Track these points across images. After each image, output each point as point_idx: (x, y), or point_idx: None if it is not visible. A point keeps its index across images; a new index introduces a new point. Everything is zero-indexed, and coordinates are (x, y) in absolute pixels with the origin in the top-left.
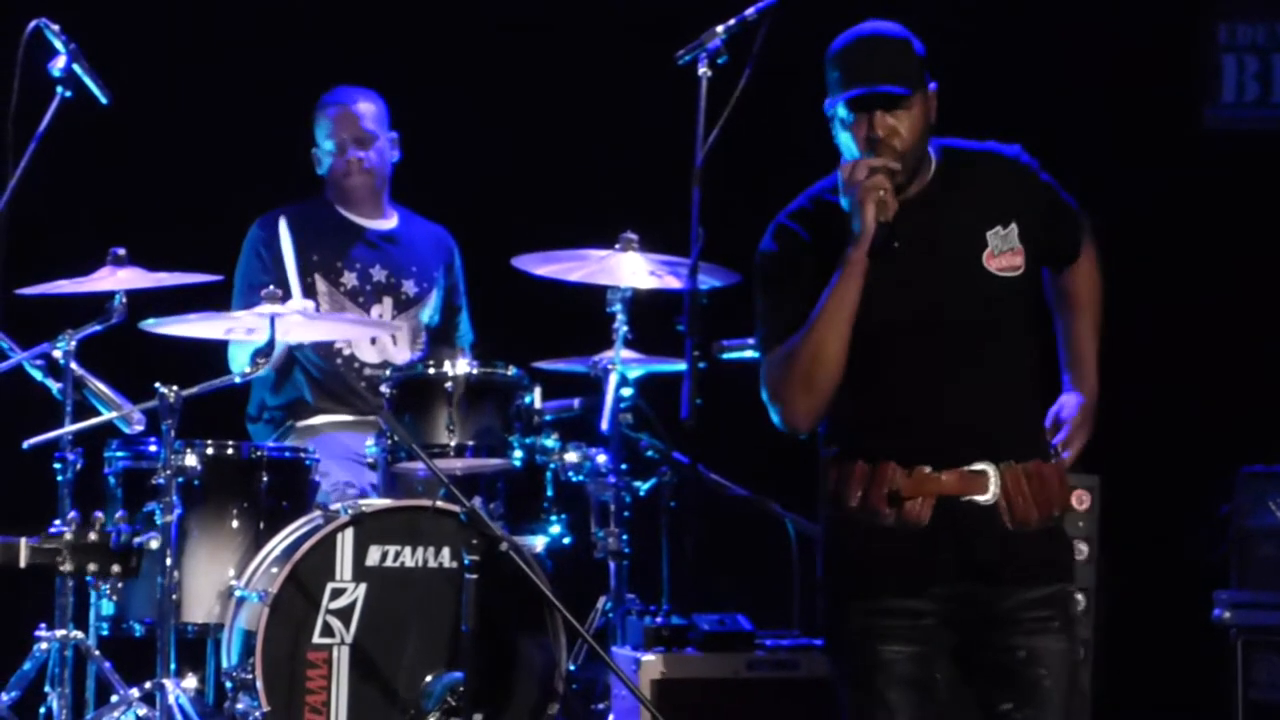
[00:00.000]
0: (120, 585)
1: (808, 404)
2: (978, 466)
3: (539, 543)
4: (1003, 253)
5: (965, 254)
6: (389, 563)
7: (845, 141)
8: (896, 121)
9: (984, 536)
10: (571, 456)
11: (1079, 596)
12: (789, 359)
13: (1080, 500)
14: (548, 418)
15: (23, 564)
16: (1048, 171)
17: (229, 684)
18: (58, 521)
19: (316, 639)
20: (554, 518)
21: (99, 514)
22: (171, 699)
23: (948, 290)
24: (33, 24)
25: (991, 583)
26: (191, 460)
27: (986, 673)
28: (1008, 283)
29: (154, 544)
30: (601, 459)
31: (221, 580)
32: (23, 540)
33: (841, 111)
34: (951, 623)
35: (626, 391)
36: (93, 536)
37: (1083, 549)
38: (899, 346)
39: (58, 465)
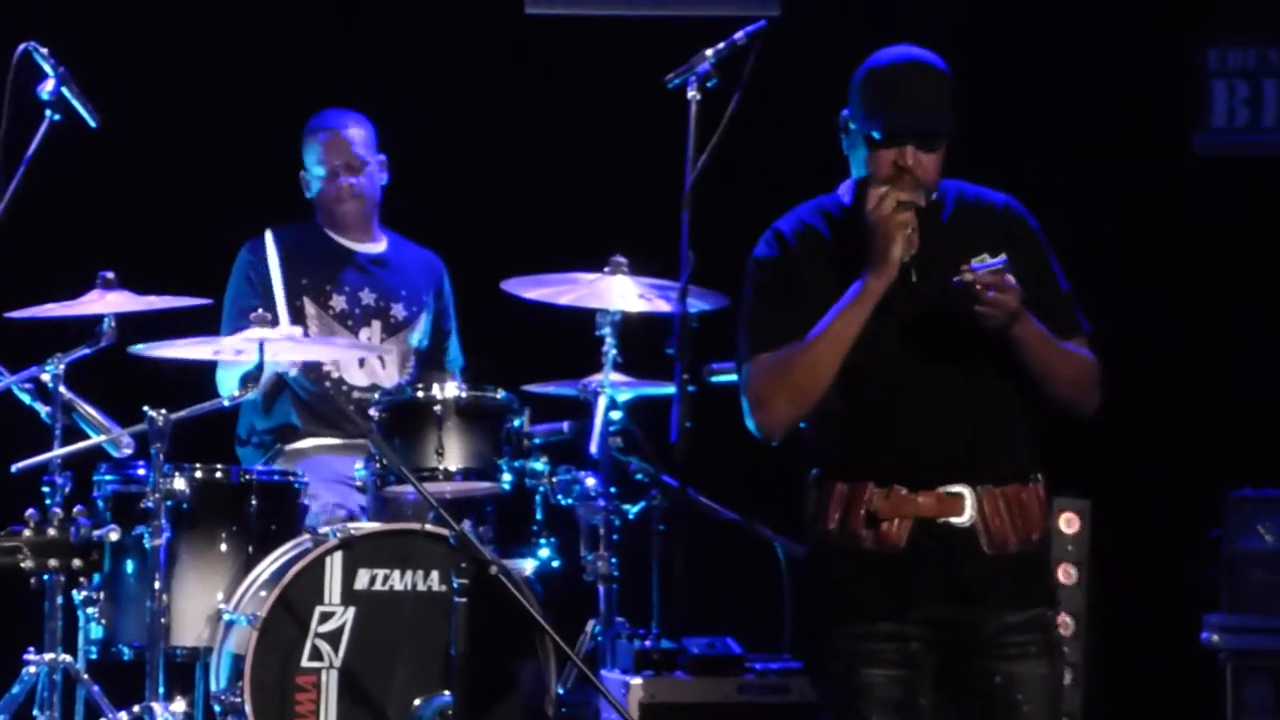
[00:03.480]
0: (109, 609)
1: (791, 414)
2: (954, 489)
3: (528, 566)
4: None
5: (951, 277)
6: (378, 586)
7: (863, 158)
8: (926, 157)
9: (962, 560)
10: (560, 479)
11: (1068, 620)
12: (782, 368)
13: (1070, 524)
14: (537, 441)
15: None
16: (1038, 221)
17: (218, 708)
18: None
19: (305, 662)
20: (543, 541)
21: (56, 509)
22: None
23: (931, 312)
24: (21, 47)
25: (971, 606)
26: (180, 484)
27: (968, 697)
28: (979, 320)
29: (113, 536)
30: (591, 482)
31: (210, 604)
32: None
33: (873, 131)
34: (933, 646)
35: (616, 415)
36: (52, 532)
37: (1072, 573)
38: (881, 367)
39: (46, 489)
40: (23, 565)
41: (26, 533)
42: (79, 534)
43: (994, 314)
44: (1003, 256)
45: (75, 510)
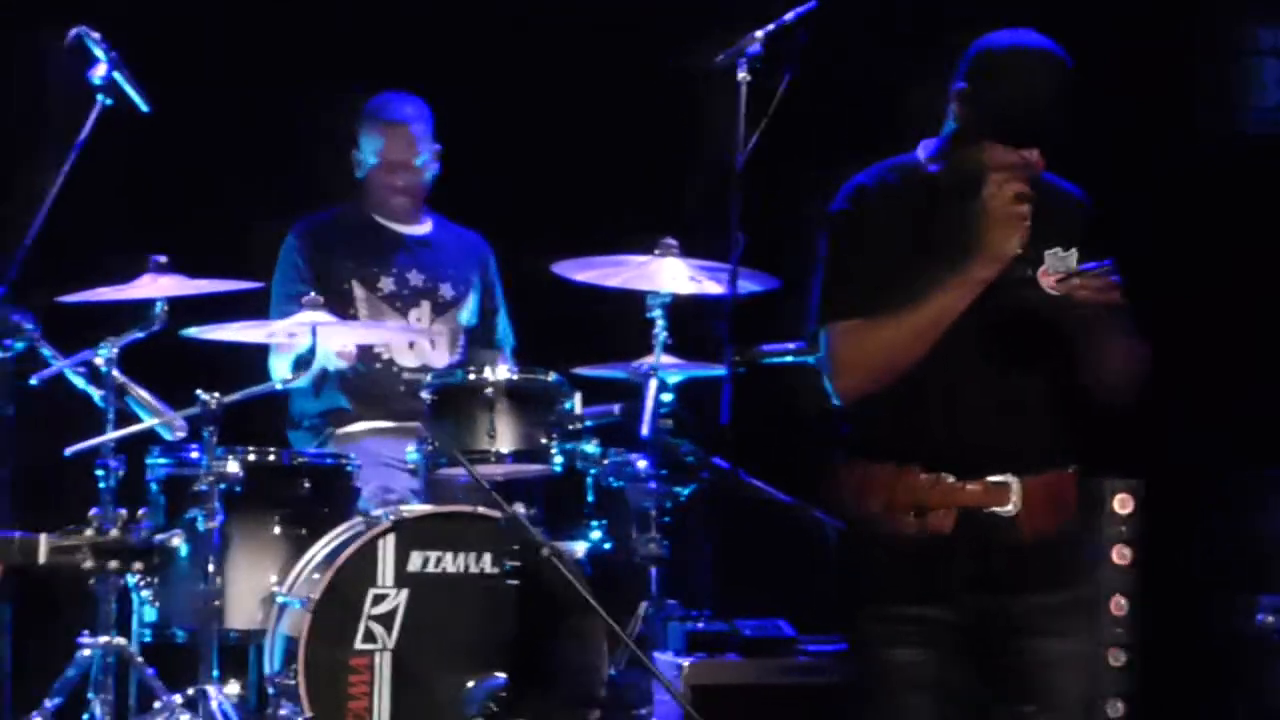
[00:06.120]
0: (162, 591)
1: (871, 385)
2: (1001, 478)
3: (579, 548)
4: (1057, 272)
5: (1021, 267)
6: (430, 568)
7: (974, 137)
8: (1041, 152)
9: (1002, 547)
10: (611, 461)
11: (1122, 600)
12: (870, 340)
13: (1124, 504)
14: (588, 423)
15: (41, 560)
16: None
17: (271, 690)
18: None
19: (359, 645)
20: (594, 523)
21: (121, 510)
22: (214, 705)
23: (997, 300)
24: (73, 32)
25: (1008, 592)
26: (233, 467)
27: (1005, 677)
28: (1057, 302)
29: (175, 541)
30: (642, 464)
31: (263, 586)
32: (42, 536)
33: (997, 124)
34: (968, 629)
35: (666, 397)
36: (114, 533)
37: (1126, 553)
38: (940, 352)
39: (100, 472)
40: (83, 566)
41: (88, 532)
42: (141, 536)
43: (1093, 312)
44: (1109, 259)
45: (140, 512)
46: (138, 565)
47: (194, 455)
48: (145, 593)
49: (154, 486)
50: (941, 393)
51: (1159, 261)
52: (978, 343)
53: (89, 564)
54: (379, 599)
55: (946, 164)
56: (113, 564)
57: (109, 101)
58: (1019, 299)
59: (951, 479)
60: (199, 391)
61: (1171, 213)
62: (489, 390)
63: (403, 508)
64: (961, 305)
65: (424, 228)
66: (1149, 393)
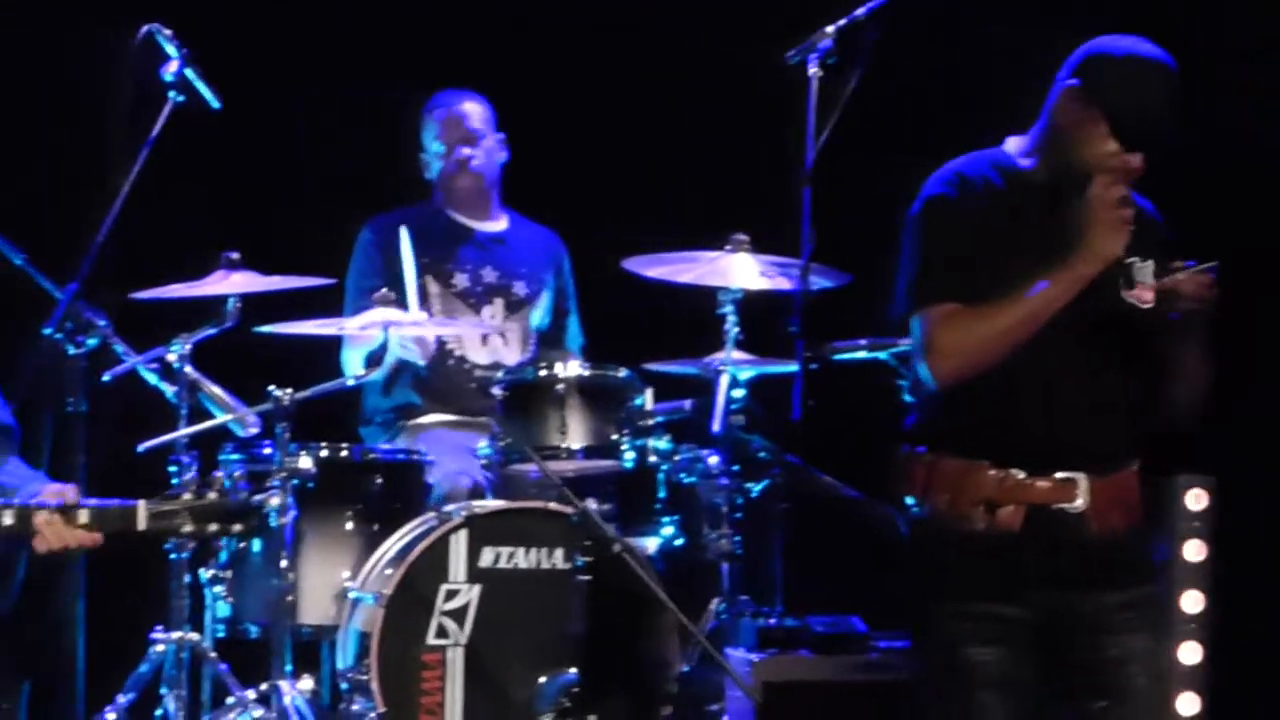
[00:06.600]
0: (236, 587)
1: (966, 372)
2: (1070, 475)
3: (651, 544)
4: (1137, 283)
5: (1105, 275)
6: (502, 564)
7: (1081, 137)
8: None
9: (1070, 544)
10: (683, 457)
11: (1198, 596)
12: (969, 327)
13: (1198, 500)
14: (659, 419)
15: (141, 527)
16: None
17: (344, 685)
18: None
19: (431, 640)
20: (665, 519)
21: (218, 474)
22: (287, 700)
23: (1079, 305)
24: (144, 29)
25: (1077, 588)
26: (306, 462)
27: (1073, 674)
28: (1136, 312)
29: (274, 500)
30: (713, 460)
31: (336, 582)
32: (141, 503)
33: (1107, 121)
34: (1038, 626)
35: (738, 393)
36: (212, 496)
37: (1201, 549)
38: (1022, 348)
39: (173, 469)
40: (183, 530)
41: (186, 495)
42: (239, 498)
43: (1188, 313)
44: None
45: (236, 474)
46: (237, 527)
47: (267, 451)
48: (218, 588)
49: (227, 483)
50: (1021, 388)
51: (1234, 254)
52: (1062, 341)
53: (188, 528)
54: (451, 594)
55: (1044, 160)
56: (212, 527)
57: (181, 99)
58: (1110, 301)
59: (1021, 475)
60: (271, 388)
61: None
62: (560, 386)
63: (475, 503)
64: (1064, 301)
65: (499, 225)
66: (1227, 390)
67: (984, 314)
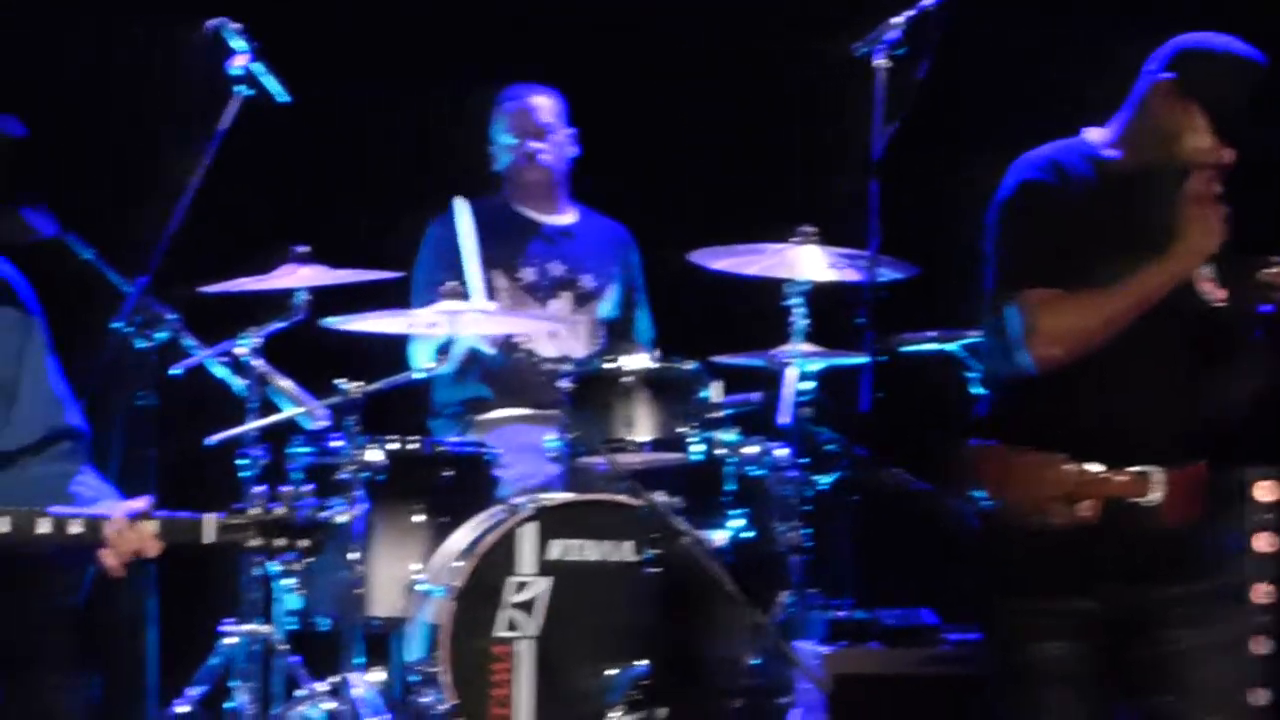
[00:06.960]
0: (306, 580)
1: (1064, 356)
2: (1147, 468)
3: (720, 537)
4: (1210, 280)
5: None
6: (571, 556)
7: (1175, 131)
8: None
9: (1144, 537)
10: (751, 450)
11: (1267, 588)
12: (1071, 312)
13: (1269, 492)
14: (727, 412)
15: (207, 540)
16: None
17: (414, 678)
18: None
19: (501, 632)
20: (734, 512)
21: (285, 488)
22: (357, 693)
23: (1173, 297)
24: (212, 23)
25: (1150, 582)
26: (375, 455)
27: (1144, 668)
28: (1212, 309)
29: (341, 518)
30: (782, 453)
31: (405, 575)
32: (208, 517)
33: (1202, 114)
34: (1109, 620)
35: (806, 385)
36: (280, 512)
37: (1270, 540)
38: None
39: (242, 462)
40: (249, 545)
41: (253, 510)
42: (306, 514)
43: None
44: None
45: (303, 489)
46: (304, 543)
47: (336, 444)
48: (289, 581)
49: (297, 476)
50: (1098, 381)
51: None
52: (1138, 334)
53: (255, 542)
54: (520, 587)
55: (1131, 152)
56: (279, 541)
57: (249, 92)
58: (1185, 296)
59: (1098, 468)
60: (340, 381)
61: None
62: (628, 379)
63: (543, 496)
64: (1161, 293)
65: (567, 218)
66: None
67: (1087, 301)
